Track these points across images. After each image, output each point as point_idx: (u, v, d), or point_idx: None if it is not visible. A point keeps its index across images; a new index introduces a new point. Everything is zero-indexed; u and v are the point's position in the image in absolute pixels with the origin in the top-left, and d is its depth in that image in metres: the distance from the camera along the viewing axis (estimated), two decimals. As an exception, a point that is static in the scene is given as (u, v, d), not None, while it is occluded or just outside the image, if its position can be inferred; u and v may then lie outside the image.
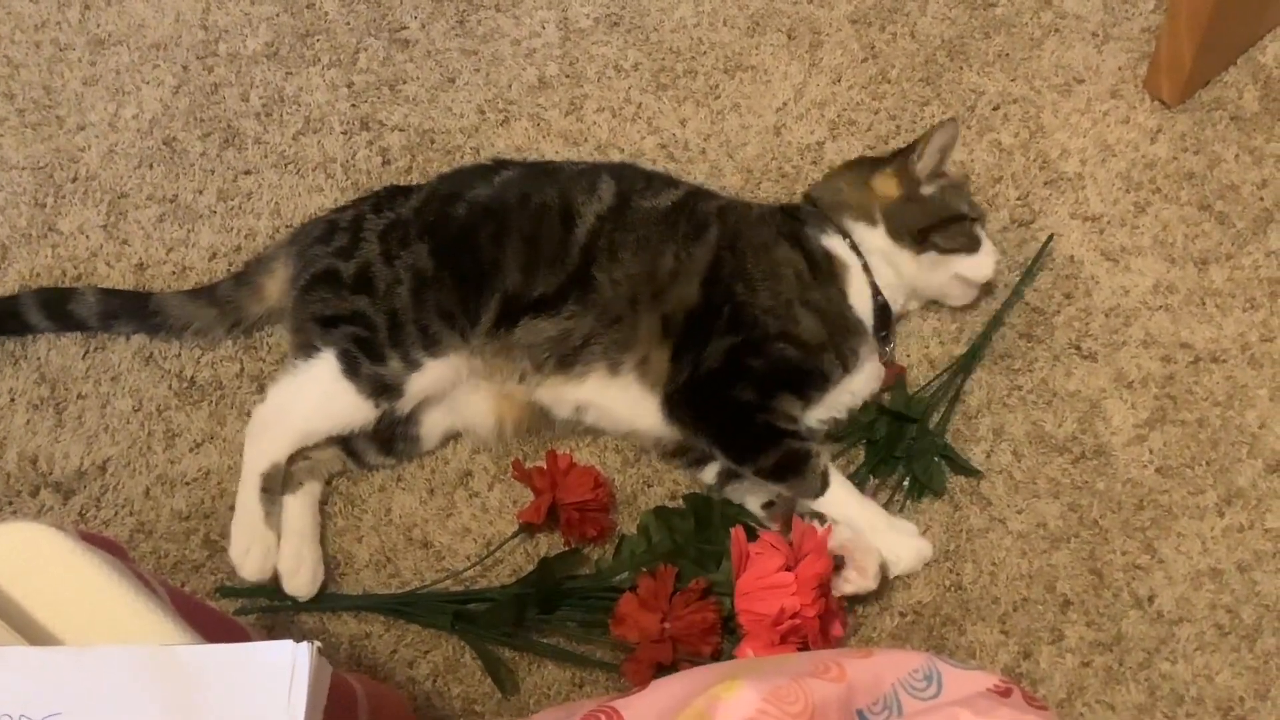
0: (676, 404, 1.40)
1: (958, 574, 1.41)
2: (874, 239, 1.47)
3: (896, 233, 1.47)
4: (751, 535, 1.35)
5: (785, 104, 1.70)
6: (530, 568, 1.41)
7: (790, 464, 1.37)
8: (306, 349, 1.43)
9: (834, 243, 1.47)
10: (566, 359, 1.42)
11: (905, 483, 1.45)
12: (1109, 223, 1.60)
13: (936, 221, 1.47)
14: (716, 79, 1.73)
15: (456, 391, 1.45)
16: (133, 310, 1.52)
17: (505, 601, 1.37)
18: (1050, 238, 1.58)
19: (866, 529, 1.37)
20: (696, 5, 1.78)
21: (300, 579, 1.40)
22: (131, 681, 0.78)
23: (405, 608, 1.40)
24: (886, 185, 1.48)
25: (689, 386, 1.39)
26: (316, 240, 1.49)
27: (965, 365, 1.51)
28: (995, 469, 1.46)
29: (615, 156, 1.66)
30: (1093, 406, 1.49)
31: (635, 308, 1.42)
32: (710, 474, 1.45)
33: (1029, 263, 1.57)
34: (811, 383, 1.42)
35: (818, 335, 1.42)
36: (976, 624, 1.38)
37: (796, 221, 1.49)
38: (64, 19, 1.79)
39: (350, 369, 1.41)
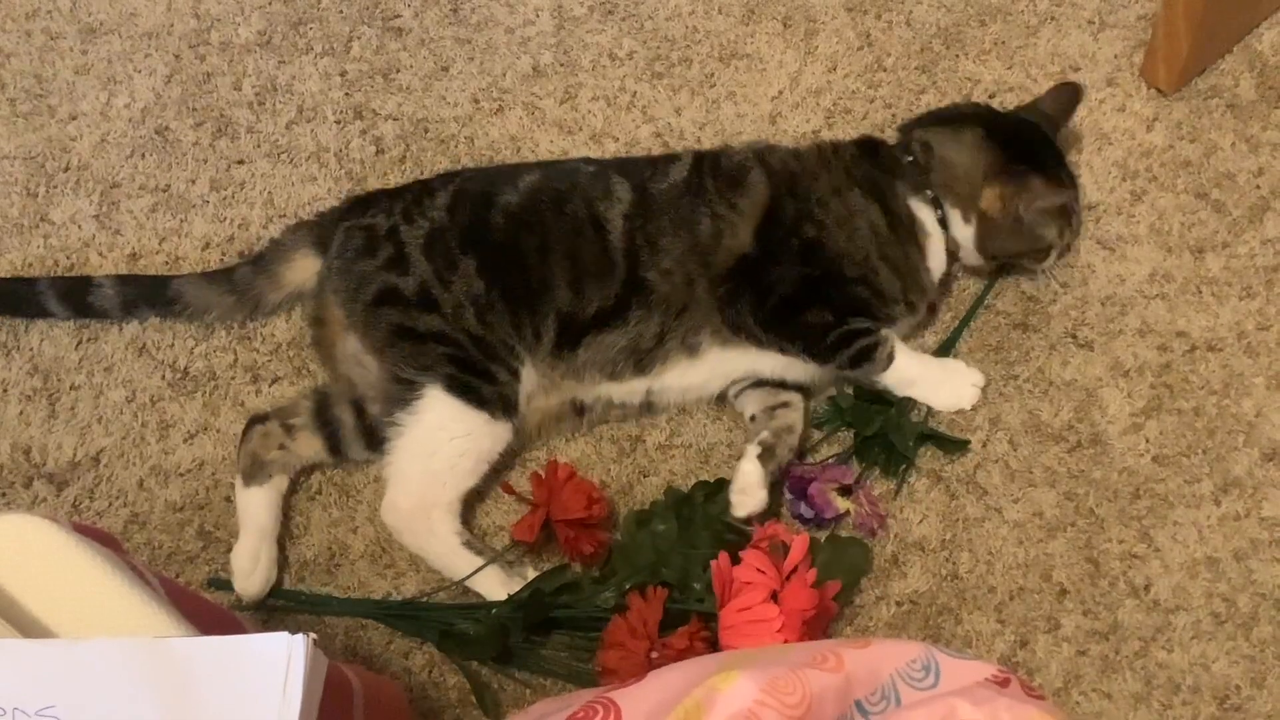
0: (746, 322, 1.42)
1: (954, 563, 1.41)
2: (962, 234, 1.49)
3: (982, 246, 1.49)
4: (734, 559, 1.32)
5: (781, 92, 1.70)
6: (525, 562, 1.41)
7: (864, 355, 1.42)
8: (403, 388, 1.38)
9: (924, 212, 1.49)
10: (642, 363, 1.42)
11: (899, 469, 1.45)
12: (1105, 211, 1.60)
13: (1020, 252, 1.50)
14: (712, 67, 1.72)
15: None
16: (152, 297, 1.51)
17: (490, 631, 1.33)
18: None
19: (929, 391, 1.46)
20: (691, -7, 1.78)
21: (255, 580, 1.38)
22: (127, 674, 0.78)
23: (393, 618, 1.38)
24: (992, 202, 1.48)
25: (763, 308, 1.41)
26: (360, 254, 1.45)
27: (947, 346, 1.52)
28: (991, 458, 1.46)
29: (610, 145, 1.66)
30: (1089, 395, 1.49)
31: (693, 287, 1.42)
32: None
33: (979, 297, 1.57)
34: (881, 319, 1.45)
35: (893, 288, 1.45)
36: (973, 613, 1.38)
37: (883, 172, 1.49)
38: (55, 7, 1.78)
39: (471, 397, 1.37)
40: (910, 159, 1.50)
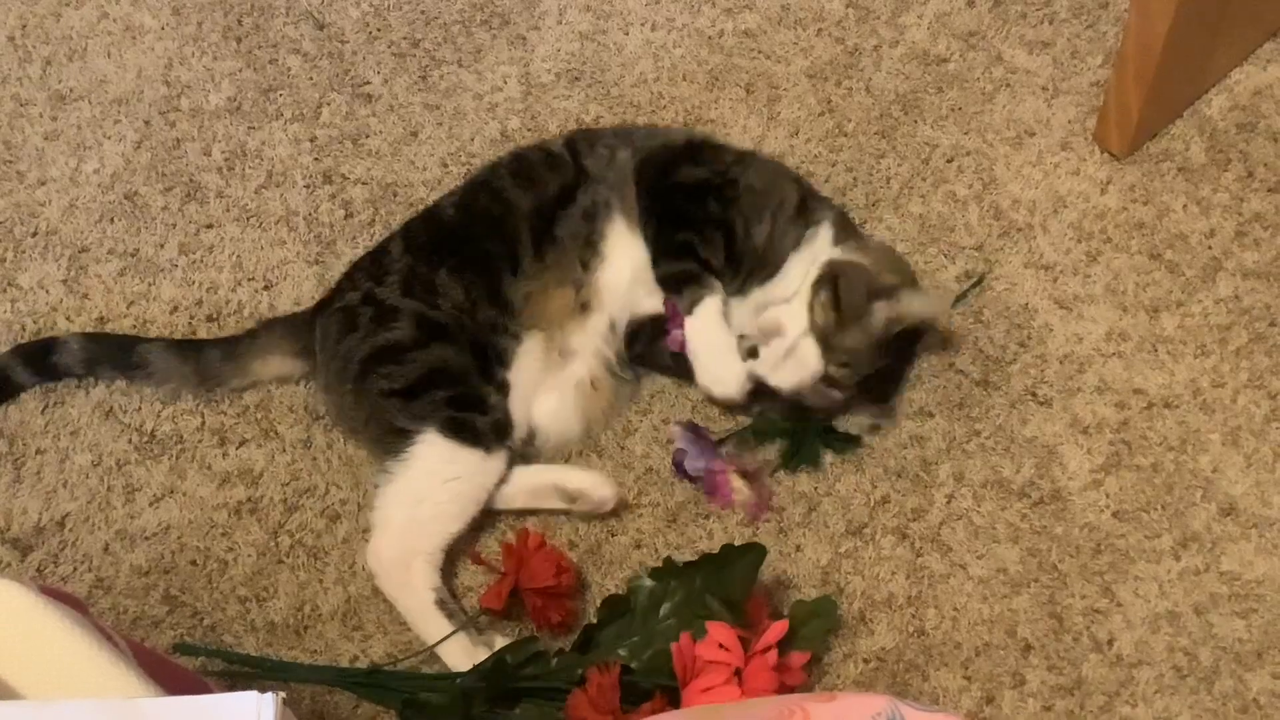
0: (647, 206, 1.51)
1: (920, 620, 1.42)
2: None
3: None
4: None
5: (744, 157, 1.73)
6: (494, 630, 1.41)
7: (685, 280, 1.48)
8: (394, 438, 1.41)
9: (826, 227, 1.53)
10: (591, 236, 1.51)
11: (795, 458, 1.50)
12: (1062, 272, 1.63)
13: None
14: (676, 132, 1.75)
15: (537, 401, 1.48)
16: (116, 358, 1.52)
17: (453, 701, 1.32)
18: (981, 277, 1.62)
19: (700, 362, 1.47)
20: (656, 60, 1.81)
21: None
22: (95, 736, 0.78)
23: (357, 686, 1.37)
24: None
25: (658, 192, 1.52)
26: (342, 334, 1.47)
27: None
28: (955, 515, 1.48)
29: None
30: (1049, 452, 1.51)
31: (614, 160, 1.54)
32: None
33: (962, 292, 1.61)
34: (737, 262, 1.50)
35: (748, 245, 1.51)
36: (940, 669, 1.39)
37: (810, 192, 1.59)
38: (25, 74, 1.79)
39: (467, 435, 1.40)
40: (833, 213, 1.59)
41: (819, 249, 1.51)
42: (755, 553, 1.37)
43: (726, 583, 1.35)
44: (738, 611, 1.33)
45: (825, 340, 1.43)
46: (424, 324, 1.45)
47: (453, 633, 1.36)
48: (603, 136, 1.59)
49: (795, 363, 1.44)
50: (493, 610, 1.38)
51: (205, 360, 1.51)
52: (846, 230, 1.56)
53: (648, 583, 1.36)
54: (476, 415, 1.42)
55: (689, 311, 1.47)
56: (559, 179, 1.53)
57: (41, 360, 1.52)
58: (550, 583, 1.36)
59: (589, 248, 1.50)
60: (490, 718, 1.34)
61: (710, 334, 1.48)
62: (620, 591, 1.39)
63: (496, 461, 1.42)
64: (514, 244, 1.50)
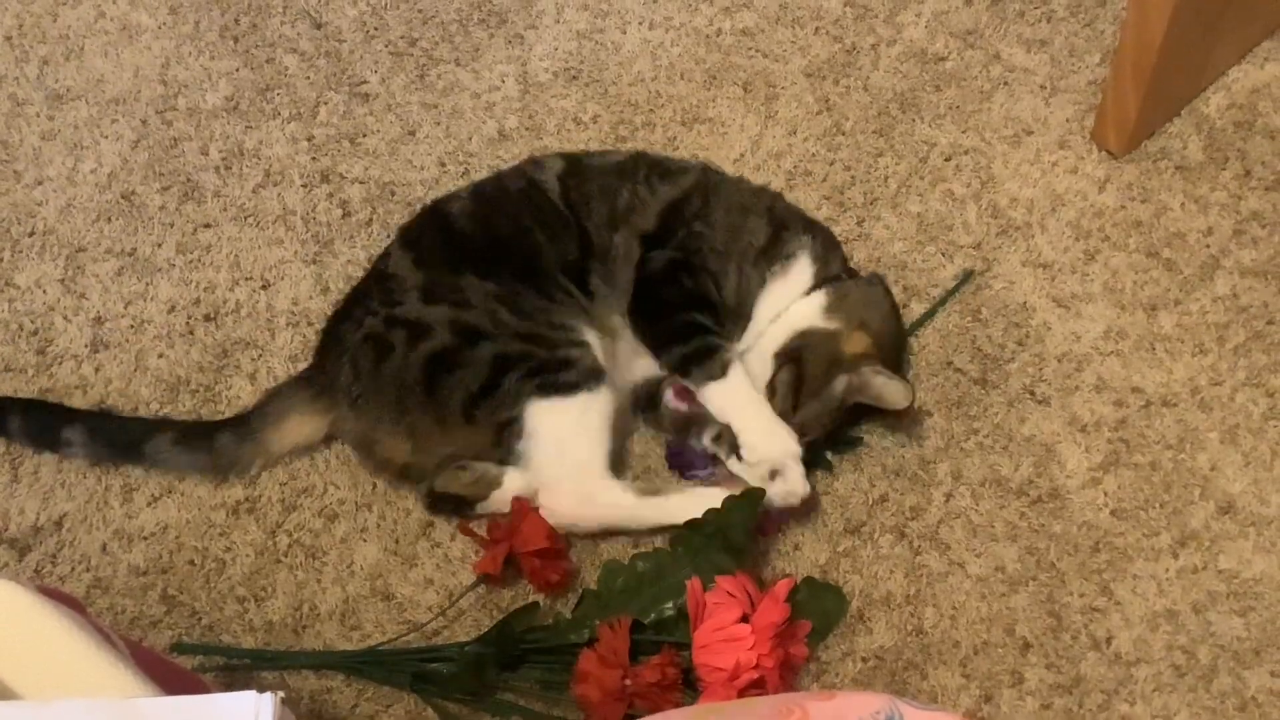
0: (631, 306, 1.49)
1: (919, 618, 1.42)
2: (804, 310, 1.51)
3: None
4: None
5: (742, 155, 1.73)
6: (491, 621, 1.40)
7: (702, 354, 1.45)
8: (508, 428, 1.41)
9: (803, 260, 1.52)
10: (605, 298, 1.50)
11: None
12: (1060, 270, 1.63)
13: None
14: (675, 131, 1.75)
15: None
16: (124, 457, 1.48)
17: (465, 665, 1.34)
18: (969, 273, 1.63)
19: (750, 428, 1.43)
20: (654, 59, 1.81)
21: None
22: (93, 736, 0.78)
23: (365, 665, 1.38)
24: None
25: (636, 286, 1.49)
26: (379, 359, 1.43)
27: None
28: (954, 513, 1.48)
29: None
30: (1048, 450, 1.51)
31: (611, 241, 1.51)
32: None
33: (944, 295, 1.61)
34: (719, 321, 1.49)
35: (732, 299, 1.51)
36: (938, 668, 1.39)
37: (783, 224, 1.54)
38: (22, 74, 1.79)
39: (566, 389, 1.40)
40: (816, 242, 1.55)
41: (793, 287, 1.51)
42: (754, 495, 1.39)
43: (729, 530, 1.38)
44: (741, 555, 1.37)
45: (784, 416, 1.45)
46: (459, 328, 1.43)
47: (670, 494, 1.43)
48: (591, 196, 1.52)
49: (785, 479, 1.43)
50: (490, 576, 1.39)
51: (218, 447, 1.46)
52: (828, 264, 1.53)
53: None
54: (562, 372, 1.41)
55: (722, 375, 1.43)
56: (576, 243, 1.51)
57: (43, 436, 1.49)
58: (545, 544, 1.38)
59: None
60: (501, 681, 1.35)
61: (747, 398, 1.44)
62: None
63: (603, 394, 1.42)
64: (563, 283, 1.49)
